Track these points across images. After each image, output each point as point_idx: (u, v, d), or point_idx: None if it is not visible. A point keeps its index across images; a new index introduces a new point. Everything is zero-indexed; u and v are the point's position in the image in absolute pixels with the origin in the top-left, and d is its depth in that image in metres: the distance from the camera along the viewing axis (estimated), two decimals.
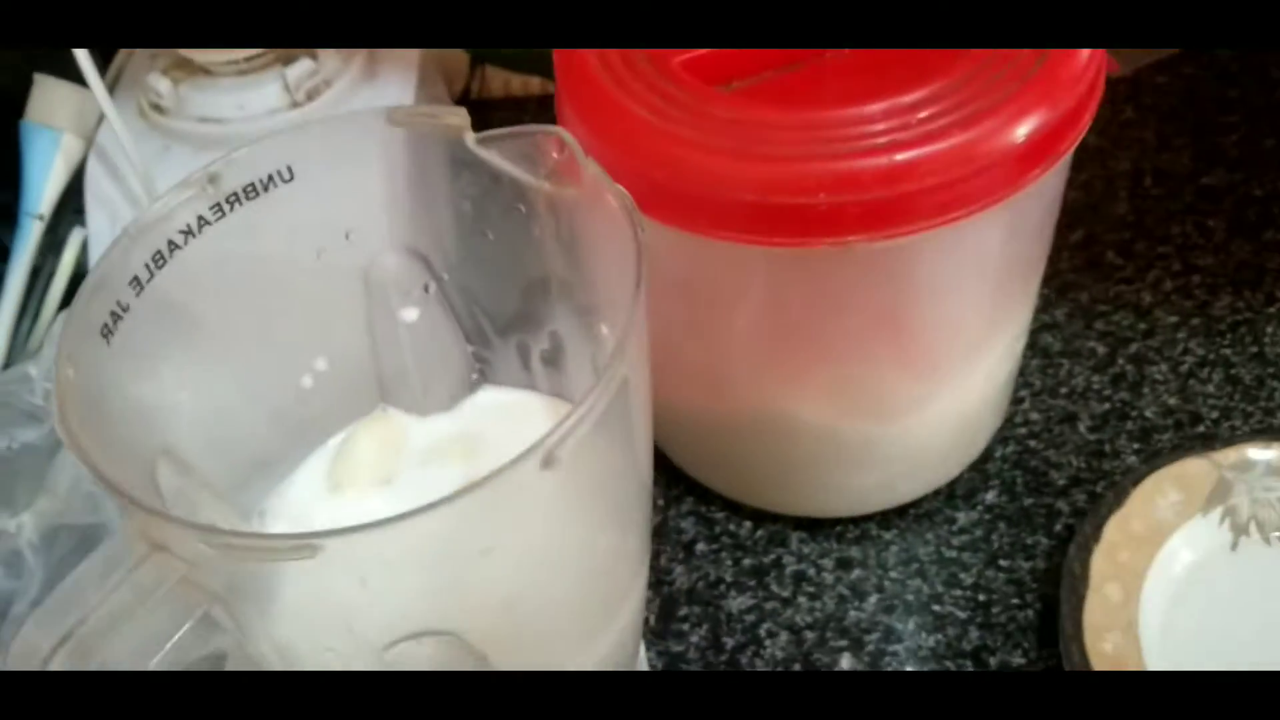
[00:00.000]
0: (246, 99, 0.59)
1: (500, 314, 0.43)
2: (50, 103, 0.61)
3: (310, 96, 0.59)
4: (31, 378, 0.56)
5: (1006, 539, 0.54)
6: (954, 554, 0.54)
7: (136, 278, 0.36)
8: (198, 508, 0.37)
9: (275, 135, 0.38)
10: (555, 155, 0.37)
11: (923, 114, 0.41)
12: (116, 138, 0.59)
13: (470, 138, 0.38)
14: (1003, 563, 0.53)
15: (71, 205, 0.61)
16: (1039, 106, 0.41)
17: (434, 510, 0.28)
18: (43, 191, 0.61)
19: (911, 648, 0.51)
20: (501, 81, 0.77)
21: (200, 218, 0.37)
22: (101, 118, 0.61)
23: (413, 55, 0.64)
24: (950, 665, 0.50)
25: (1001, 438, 0.57)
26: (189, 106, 0.59)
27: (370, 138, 0.38)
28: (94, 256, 0.59)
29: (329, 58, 0.60)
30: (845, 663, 0.51)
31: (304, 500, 0.43)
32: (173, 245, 0.37)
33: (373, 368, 0.44)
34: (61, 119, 0.60)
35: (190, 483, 0.37)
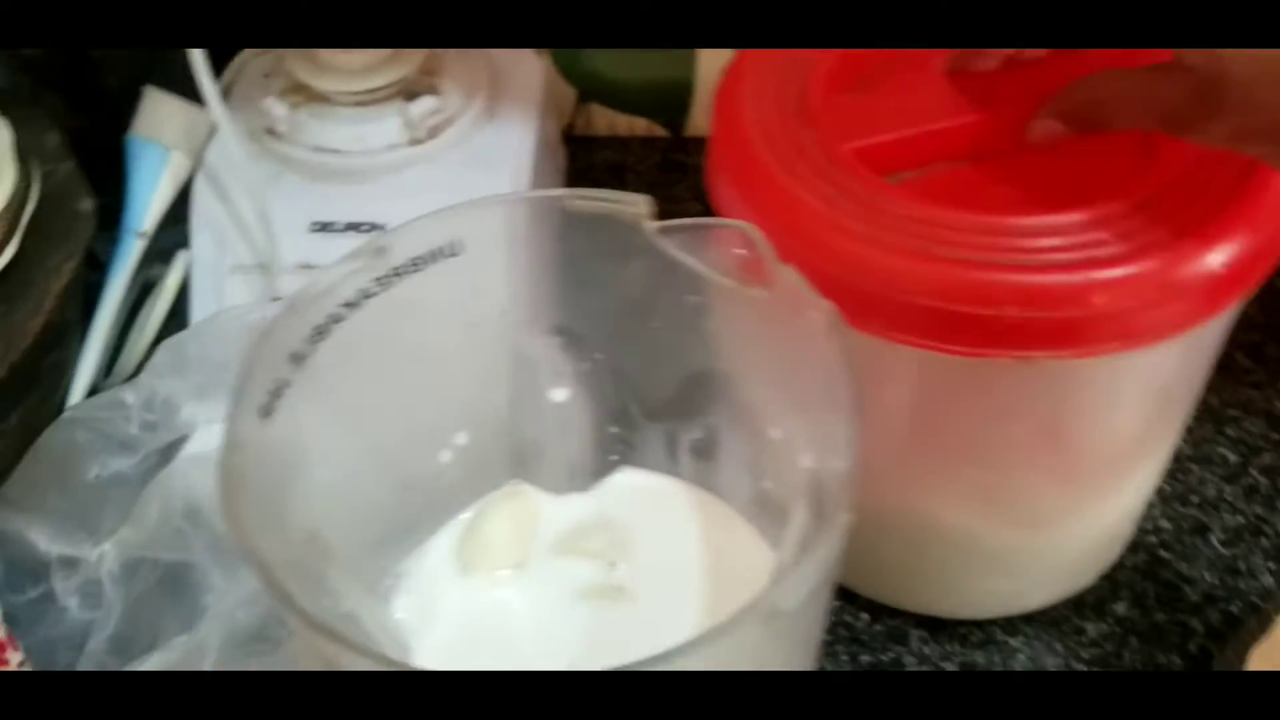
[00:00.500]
0: (365, 132, 0.56)
1: (652, 400, 0.41)
2: (159, 118, 0.58)
3: (431, 134, 0.57)
4: (127, 405, 0.54)
5: (1138, 656, 0.52)
6: (1084, 668, 0.52)
7: (297, 352, 0.34)
8: (338, 595, 0.35)
9: (447, 210, 0.35)
10: (740, 252, 0.35)
11: (1116, 229, 0.38)
12: (226, 159, 0.57)
13: (650, 226, 0.35)
14: None
15: (174, 225, 0.59)
16: (1239, 232, 0.38)
17: (643, 669, 0.26)
18: (147, 208, 0.57)
19: None
20: (606, 121, 0.74)
21: (363, 290, 0.35)
22: (210, 137, 0.59)
23: (533, 93, 0.61)
24: None
25: (1131, 545, 0.55)
26: (305, 134, 0.57)
27: (543, 217, 0.36)
28: (198, 281, 0.57)
29: (451, 94, 0.58)
30: None
31: (433, 580, 0.41)
32: (334, 319, 0.35)
33: (509, 442, 0.42)
34: (170, 135, 0.58)
35: (331, 568, 0.35)
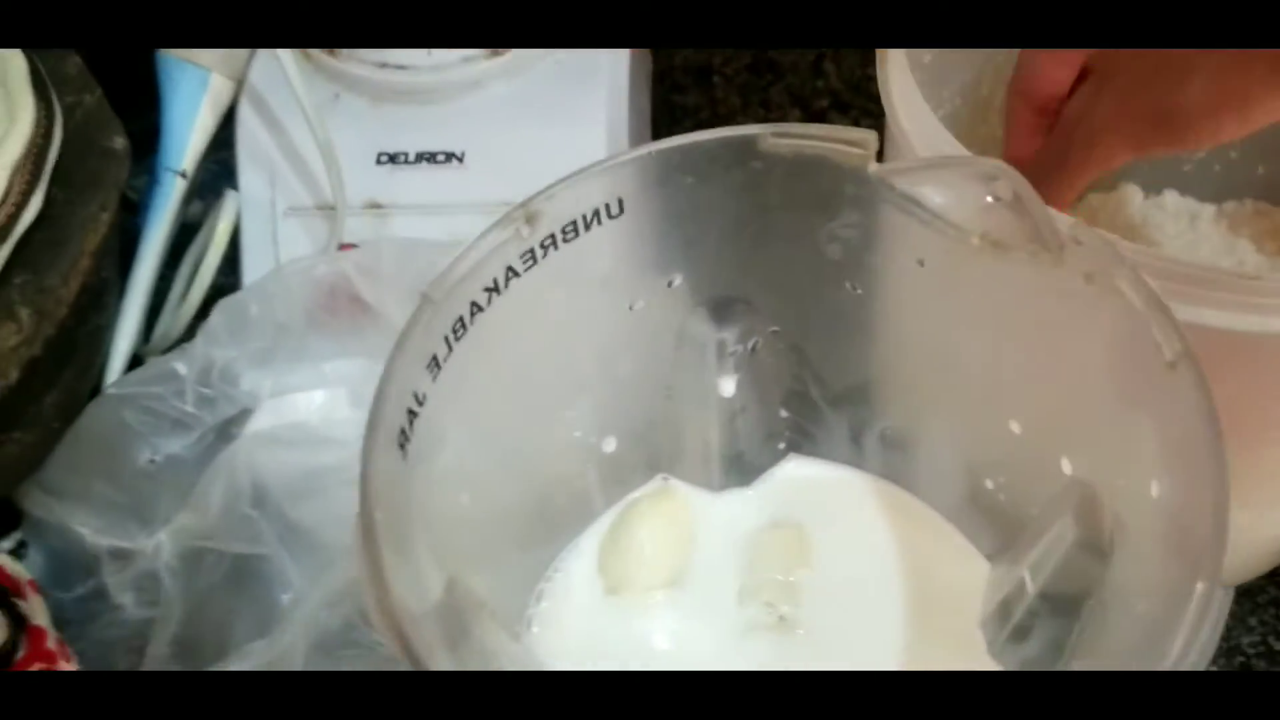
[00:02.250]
0: None
1: (840, 380, 0.34)
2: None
3: None
4: (180, 376, 0.47)
5: None
6: None
7: (435, 357, 0.26)
8: (485, 656, 0.28)
9: (608, 162, 0.28)
10: (990, 199, 0.27)
11: None
12: (274, 80, 0.49)
13: (875, 167, 0.27)
14: None
15: (216, 157, 0.51)
16: None
17: None
18: (186, 143, 0.50)
19: None
20: None
21: (509, 269, 0.27)
22: (252, 56, 0.51)
23: None
24: None
25: None
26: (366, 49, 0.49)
27: (725, 163, 0.28)
28: (249, 226, 0.49)
29: None
30: None
31: (576, 606, 0.34)
32: (475, 308, 0.27)
33: (659, 433, 0.35)
34: (208, 55, 0.49)
35: (476, 619, 0.28)
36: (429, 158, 0.49)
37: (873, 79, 0.35)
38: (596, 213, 0.28)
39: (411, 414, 0.25)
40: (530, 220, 0.27)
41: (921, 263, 0.29)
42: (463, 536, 0.29)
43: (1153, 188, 0.52)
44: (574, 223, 0.28)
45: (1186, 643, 0.21)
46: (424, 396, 0.26)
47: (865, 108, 0.60)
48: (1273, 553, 0.45)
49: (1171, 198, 0.52)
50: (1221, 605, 0.21)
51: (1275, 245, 0.49)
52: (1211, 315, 0.30)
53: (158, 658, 0.43)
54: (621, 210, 0.28)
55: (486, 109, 0.49)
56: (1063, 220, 0.25)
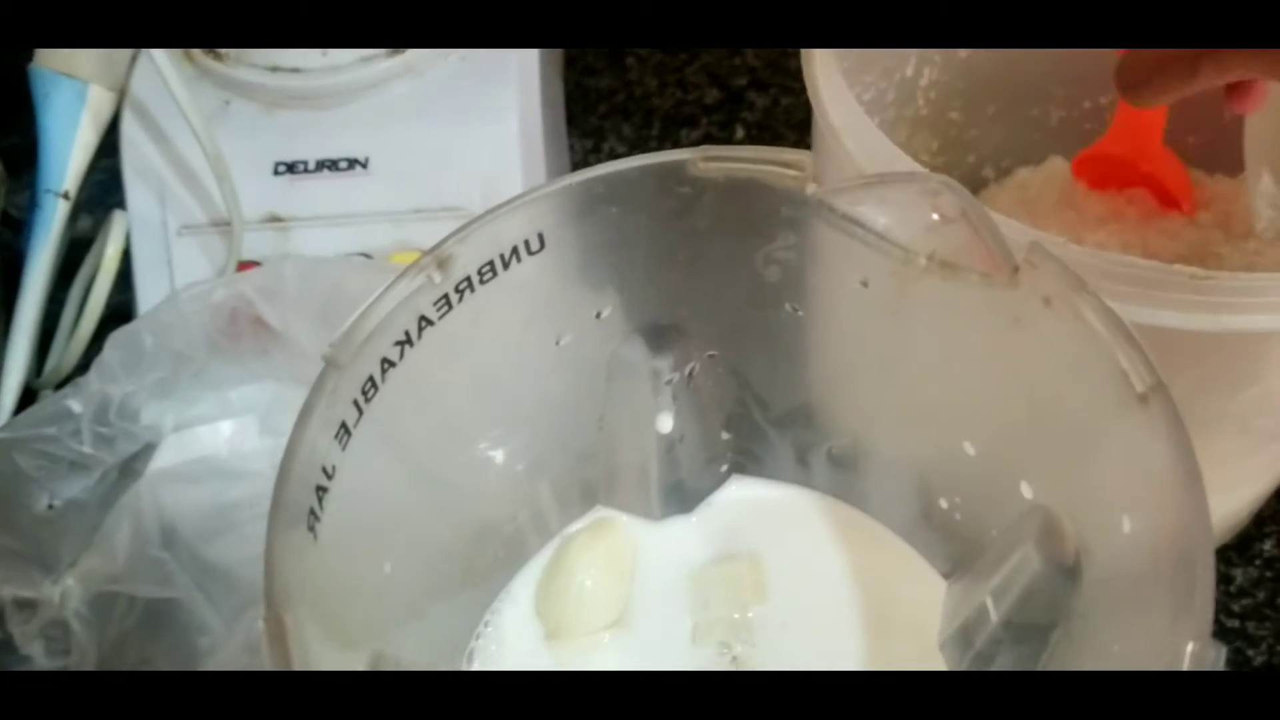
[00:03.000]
0: None
1: (782, 402, 0.32)
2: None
3: None
4: (75, 414, 0.44)
5: None
6: (1236, 623, 0.45)
7: (344, 424, 0.24)
8: None
9: (527, 196, 0.25)
10: (938, 217, 0.25)
11: None
12: (157, 89, 0.45)
13: (813, 188, 0.25)
14: None
15: (102, 176, 0.48)
16: None
17: None
18: (66, 162, 0.46)
19: None
20: None
21: (422, 318, 0.25)
22: (133, 62, 0.47)
23: None
24: None
25: None
26: (256, 52, 0.45)
27: (654, 189, 0.26)
28: (140, 248, 0.46)
29: None
30: None
31: (516, 655, 0.32)
32: (387, 364, 0.25)
33: (592, 465, 0.33)
34: (84, 66, 0.46)
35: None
36: (330, 165, 0.46)
37: (791, 55, 0.33)
38: (515, 250, 0.26)
39: (320, 490, 0.23)
40: (442, 265, 0.24)
41: (865, 283, 0.27)
42: (387, 605, 0.27)
43: None
44: (491, 263, 0.25)
45: None
46: (333, 469, 0.23)
47: (785, 85, 0.58)
48: (1223, 530, 0.44)
49: None
50: (1215, 664, 0.20)
51: (1209, 215, 0.48)
52: (1165, 316, 0.29)
53: None
54: (542, 245, 0.26)
55: (389, 111, 0.46)
56: (1018, 242, 0.24)
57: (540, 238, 0.26)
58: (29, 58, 0.47)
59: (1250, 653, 0.45)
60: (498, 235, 0.25)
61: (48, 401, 0.44)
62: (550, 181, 0.25)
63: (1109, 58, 0.46)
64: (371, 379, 0.24)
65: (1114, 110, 0.48)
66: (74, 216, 0.47)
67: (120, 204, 0.47)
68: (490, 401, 0.28)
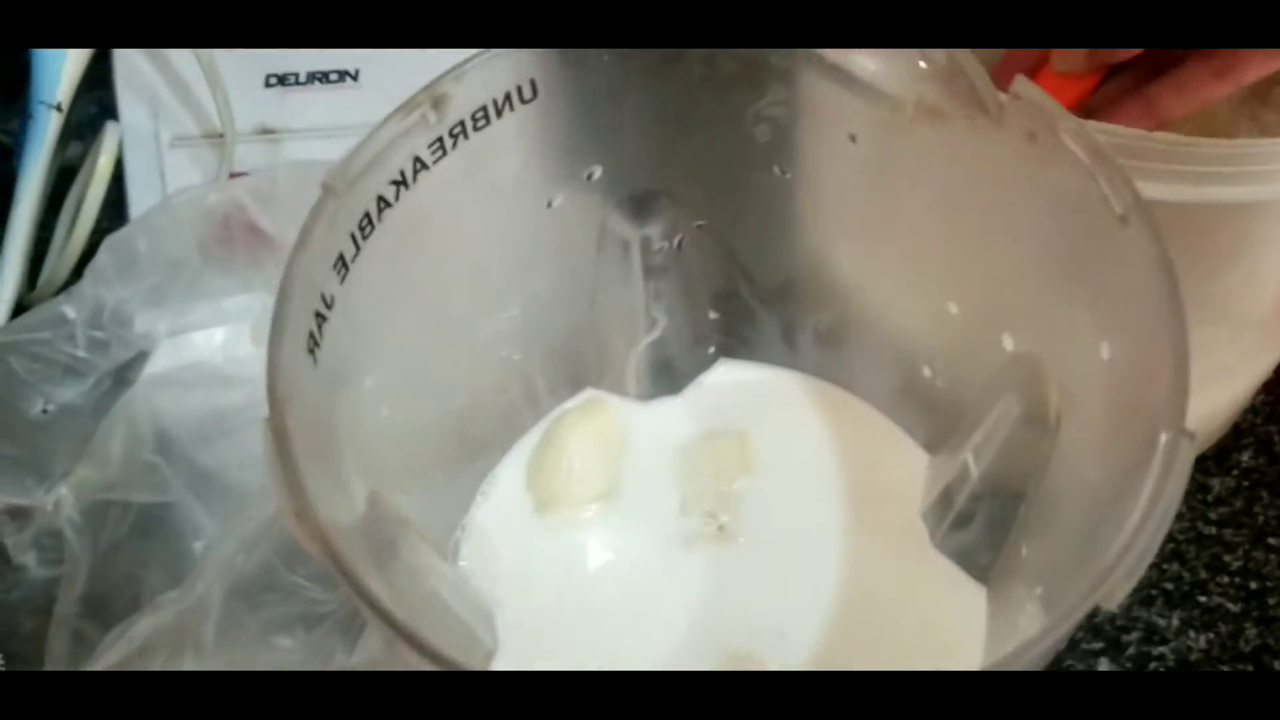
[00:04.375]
0: None
1: (770, 276, 0.32)
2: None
3: None
4: (69, 319, 0.44)
5: (1272, 511, 0.46)
6: (1213, 530, 0.46)
7: (341, 256, 0.24)
8: (414, 573, 0.27)
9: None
10: (925, 64, 0.25)
11: None
12: None
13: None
14: (1272, 541, 0.45)
15: (94, 87, 0.48)
16: None
17: None
18: (59, 73, 0.47)
19: (1180, 649, 0.43)
20: None
21: (417, 160, 0.25)
22: None
23: None
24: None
25: None
26: None
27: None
28: (133, 160, 0.46)
29: None
30: (1104, 667, 0.43)
31: (504, 524, 0.32)
32: (383, 203, 0.25)
33: (584, 342, 0.33)
34: None
35: (402, 535, 0.27)
36: (321, 77, 0.47)
37: None
38: (509, 96, 0.26)
39: (320, 317, 0.23)
40: (437, 105, 0.25)
41: (853, 138, 0.27)
42: (384, 452, 0.27)
43: None
44: (484, 108, 0.26)
45: (1153, 496, 0.20)
46: (332, 299, 0.24)
47: None
48: (1203, 434, 0.45)
49: None
50: (1186, 455, 0.20)
51: None
52: (1145, 186, 0.30)
53: (66, 617, 0.41)
54: (535, 94, 0.26)
55: None
56: (1025, 84, 0.24)
57: (533, 84, 0.26)
58: None
59: (1227, 558, 0.46)
60: (491, 78, 0.26)
61: (42, 307, 0.44)
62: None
63: None
64: (368, 215, 0.25)
65: None
66: (66, 136, 0.48)
67: (113, 115, 0.47)
68: (482, 266, 0.29)
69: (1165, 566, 0.45)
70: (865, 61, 0.26)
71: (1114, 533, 0.20)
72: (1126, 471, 0.21)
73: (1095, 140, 0.23)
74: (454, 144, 0.26)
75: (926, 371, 0.31)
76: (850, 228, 0.30)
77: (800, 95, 0.27)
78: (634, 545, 0.32)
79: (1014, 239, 0.26)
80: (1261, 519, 0.47)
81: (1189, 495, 0.48)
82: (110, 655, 0.40)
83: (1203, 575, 0.45)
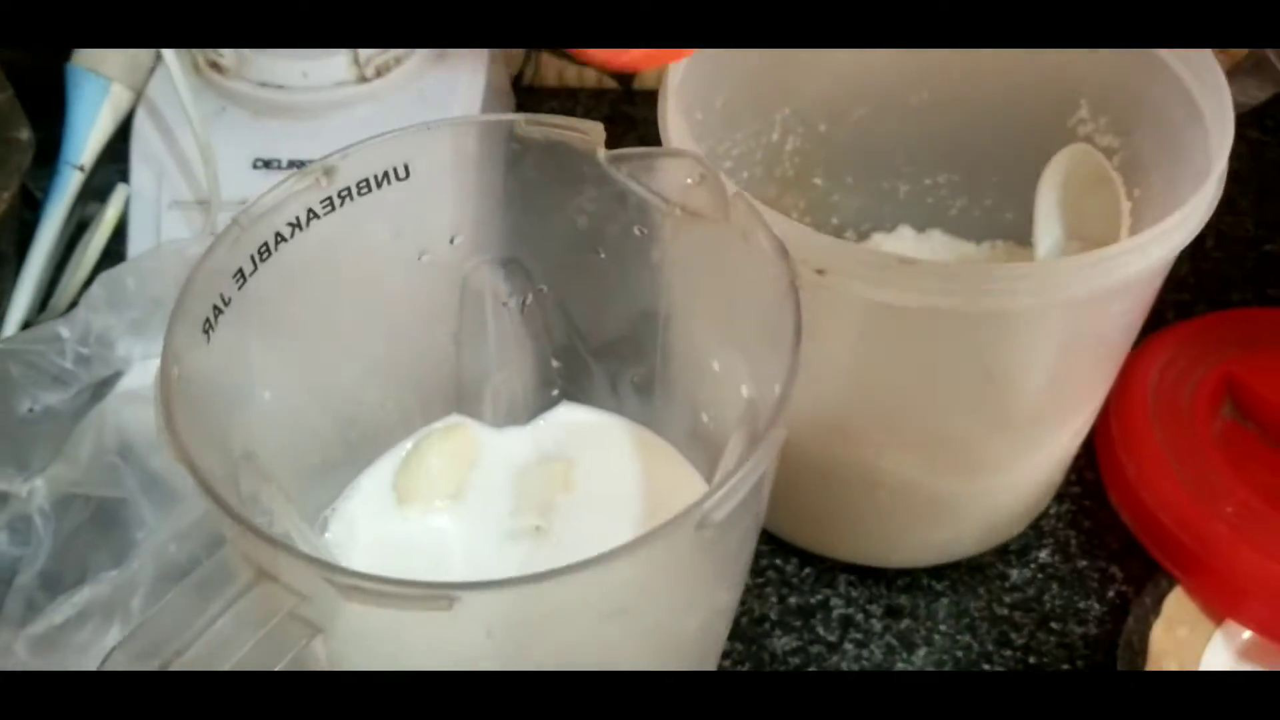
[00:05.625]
0: (312, 68, 0.56)
1: (597, 335, 0.41)
2: (101, 49, 0.57)
3: (380, 72, 0.56)
4: (62, 338, 0.53)
5: (1059, 601, 0.53)
6: (1005, 612, 0.53)
7: (241, 270, 0.33)
8: (272, 515, 0.35)
9: (397, 132, 0.35)
10: (690, 181, 0.35)
11: None
12: (169, 93, 0.56)
13: (603, 154, 0.35)
14: (1054, 625, 0.52)
15: (113, 159, 0.58)
16: None
17: (581, 571, 0.26)
18: (86, 141, 0.56)
19: None
20: (555, 71, 0.74)
21: (310, 210, 0.35)
22: (153, 70, 0.58)
23: None
24: None
25: (1056, 495, 0.56)
26: (250, 69, 0.56)
27: (494, 142, 0.36)
28: (136, 216, 0.56)
29: None
30: None
31: (369, 511, 0.41)
32: (279, 238, 0.34)
33: (451, 375, 0.42)
34: (112, 67, 0.57)
35: (265, 488, 0.35)
36: (299, 165, 0.55)
37: None
38: (386, 174, 0.35)
39: (216, 309, 0.32)
40: (328, 173, 0.34)
41: (643, 231, 0.37)
42: (263, 426, 0.36)
43: (922, 227, 0.61)
44: (366, 180, 0.35)
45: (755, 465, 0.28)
46: (228, 299, 0.33)
47: None
48: (994, 525, 0.52)
49: (938, 236, 0.61)
50: (774, 439, 0.28)
51: None
52: (885, 294, 0.38)
53: (23, 588, 0.48)
54: (408, 174, 0.36)
55: (353, 126, 0.55)
56: (729, 193, 0.33)
57: (406, 167, 0.35)
58: (67, 57, 0.58)
59: (1012, 635, 0.53)
60: (371, 158, 0.35)
61: (43, 325, 0.53)
62: (418, 124, 0.35)
63: (947, 140, 0.56)
64: (266, 244, 0.34)
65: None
66: (84, 193, 0.58)
67: (124, 179, 0.57)
68: (365, 298, 0.38)
69: (959, 637, 0.52)
70: (649, 177, 0.35)
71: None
72: None
73: (777, 239, 0.32)
74: (341, 203, 0.35)
75: (704, 417, 0.40)
76: (646, 302, 0.39)
77: (605, 196, 0.36)
78: (471, 536, 0.40)
79: (741, 310, 0.34)
80: (1049, 606, 0.54)
81: (989, 580, 0.56)
82: (54, 617, 0.47)
83: (989, 648, 0.52)
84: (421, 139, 0.35)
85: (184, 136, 0.56)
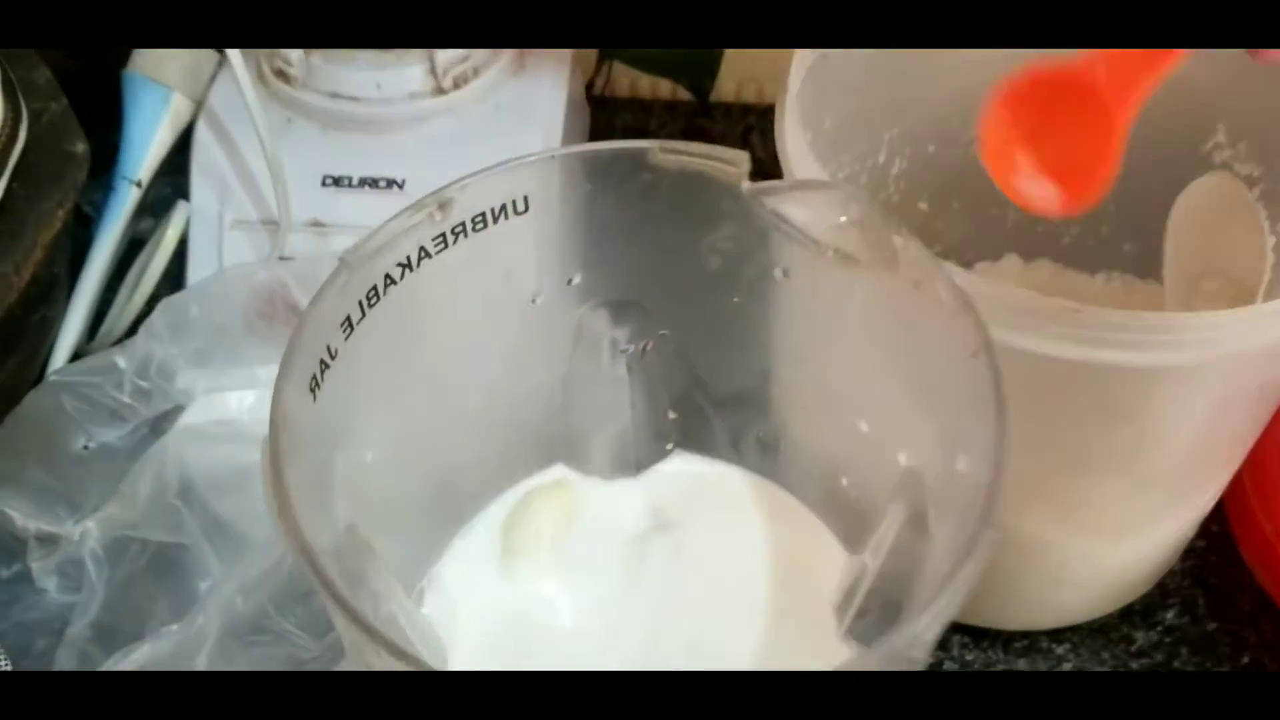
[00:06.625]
0: (386, 79, 0.52)
1: (721, 385, 0.37)
2: (161, 54, 0.53)
3: (457, 84, 0.53)
4: (120, 368, 0.49)
5: (1190, 667, 0.49)
6: None
7: (348, 318, 0.30)
8: (378, 598, 0.31)
9: (518, 161, 0.31)
10: (843, 220, 0.31)
11: None
12: (232, 103, 0.53)
13: (747, 186, 0.32)
14: None
15: (172, 174, 0.55)
16: None
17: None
18: (144, 155, 0.53)
19: None
20: (628, 81, 0.70)
21: (422, 249, 0.31)
22: (215, 78, 0.54)
23: (564, 49, 0.57)
24: None
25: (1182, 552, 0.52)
26: (320, 79, 0.53)
27: (621, 174, 0.32)
28: (197, 236, 0.53)
29: None
30: None
31: (471, 577, 0.37)
32: (389, 280, 0.31)
33: (557, 424, 0.38)
34: (172, 75, 0.53)
35: (370, 565, 0.31)
36: (371, 183, 0.53)
37: None
38: (504, 207, 0.32)
39: (324, 364, 0.28)
40: (442, 207, 0.30)
41: (786, 273, 0.33)
42: (365, 491, 0.32)
43: (1031, 257, 0.57)
44: (483, 214, 0.31)
45: (966, 579, 0.24)
46: (336, 351, 0.29)
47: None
48: (1121, 586, 0.49)
49: (1047, 266, 0.57)
50: (989, 542, 0.25)
51: None
52: (1047, 344, 0.34)
53: (76, 640, 0.44)
54: (527, 207, 0.32)
55: (428, 142, 0.53)
56: (898, 238, 0.30)
57: (525, 200, 0.32)
58: (124, 64, 0.54)
59: None
60: (490, 190, 0.31)
61: (99, 355, 0.49)
62: (538, 152, 0.31)
63: None
64: (375, 288, 0.30)
65: None
66: (141, 210, 0.54)
67: (184, 196, 0.54)
68: (473, 341, 0.34)
69: None
70: (796, 212, 0.31)
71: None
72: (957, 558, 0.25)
73: (961, 291, 0.28)
74: (455, 240, 0.31)
75: (844, 481, 0.36)
76: (785, 351, 0.35)
77: (746, 234, 0.32)
78: (581, 601, 0.36)
79: (905, 368, 0.31)
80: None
81: (1113, 644, 0.52)
82: None
83: None
84: (540, 168, 0.32)
85: (249, 150, 0.53)
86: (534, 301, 0.34)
